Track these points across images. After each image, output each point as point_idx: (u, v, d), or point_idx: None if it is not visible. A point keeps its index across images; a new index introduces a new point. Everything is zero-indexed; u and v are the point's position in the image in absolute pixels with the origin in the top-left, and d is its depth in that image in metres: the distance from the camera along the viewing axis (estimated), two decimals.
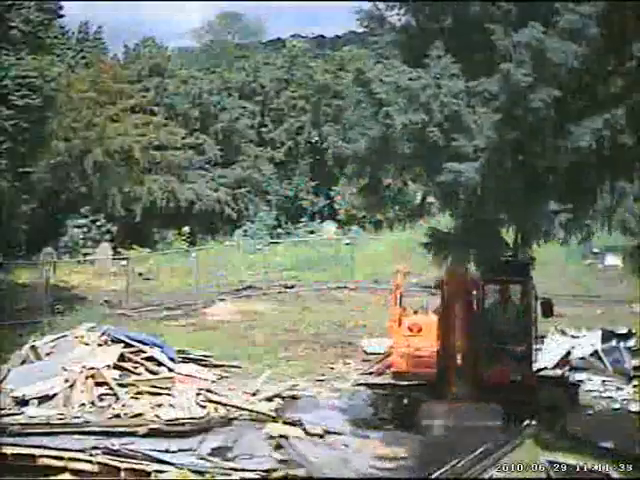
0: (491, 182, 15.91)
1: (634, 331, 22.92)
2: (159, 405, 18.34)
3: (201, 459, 15.70)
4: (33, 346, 20.75)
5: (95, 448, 15.53)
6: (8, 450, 15.42)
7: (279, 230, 45.64)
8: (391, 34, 17.67)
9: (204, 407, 18.35)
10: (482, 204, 16.37)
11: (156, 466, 15.13)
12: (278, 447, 16.44)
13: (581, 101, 15.91)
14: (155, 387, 19.40)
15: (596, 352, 22.95)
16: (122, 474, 15.04)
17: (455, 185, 15.75)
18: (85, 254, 38.90)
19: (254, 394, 19.81)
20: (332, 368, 23.40)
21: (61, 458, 15.30)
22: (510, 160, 16.09)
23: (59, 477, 15.05)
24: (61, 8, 37.08)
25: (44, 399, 18.37)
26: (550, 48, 15.00)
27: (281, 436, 16.83)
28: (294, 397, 20.15)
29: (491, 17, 15.92)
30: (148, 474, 15.02)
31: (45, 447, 15.53)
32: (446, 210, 18.11)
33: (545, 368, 21.16)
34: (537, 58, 15.08)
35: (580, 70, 15.38)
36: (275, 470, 15.32)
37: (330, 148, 40.95)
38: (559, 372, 21.51)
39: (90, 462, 15.20)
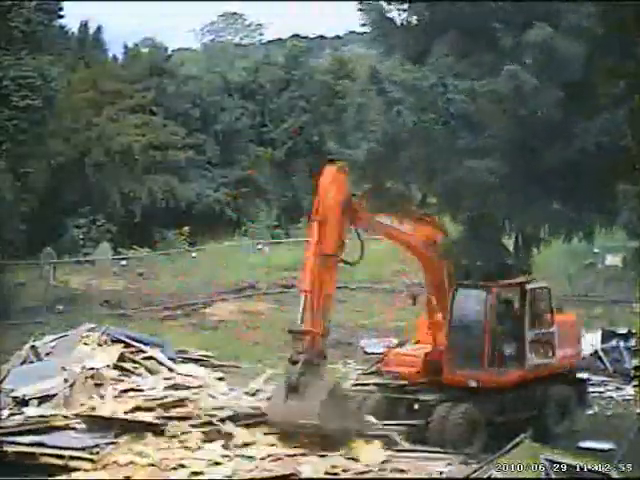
0: (496, 181, 15.96)
1: (634, 331, 22.91)
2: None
3: None
4: (33, 346, 20.72)
5: (96, 446, 15.54)
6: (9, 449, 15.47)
7: (279, 230, 45.59)
8: (393, 33, 17.71)
9: None
10: (485, 203, 16.41)
11: None
12: None
13: (585, 102, 15.94)
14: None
15: (596, 352, 22.97)
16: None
17: (461, 183, 15.80)
18: (85, 254, 38.88)
19: (254, 394, 19.79)
20: (332, 368, 23.41)
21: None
22: (515, 159, 16.13)
23: (59, 477, 15.05)
24: (61, 8, 37.21)
25: (44, 399, 18.34)
26: (556, 48, 15.03)
27: None
28: None
29: (495, 16, 15.96)
30: None
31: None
32: (447, 211, 18.17)
33: None
34: (543, 58, 15.11)
35: (584, 70, 15.42)
36: None
37: (332, 153, 40.68)
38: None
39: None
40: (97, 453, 15.40)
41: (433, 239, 17.96)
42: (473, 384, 17.59)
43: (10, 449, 15.51)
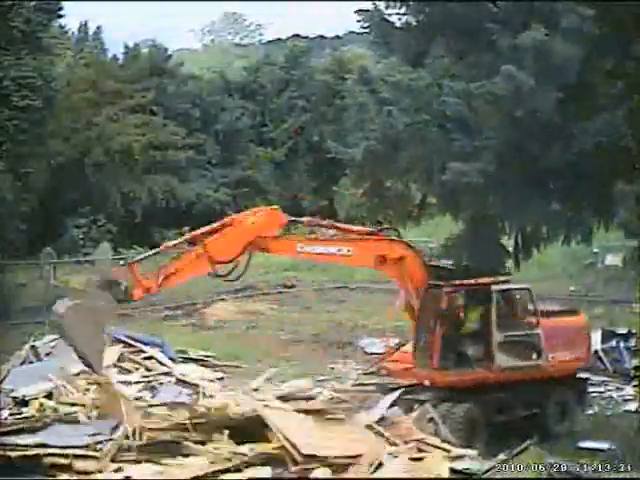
0: (493, 182, 15.98)
1: (634, 331, 22.90)
2: None
3: None
4: (33, 346, 20.71)
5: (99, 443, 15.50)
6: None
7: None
8: (392, 35, 17.74)
9: None
10: (484, 204, 16.42)
11: None
12: None
13: (583, 102, 15.95)
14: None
15: (596, 352, 22.94)
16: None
17: (458, 185, 15.81)
18: (85, 254, 38.84)
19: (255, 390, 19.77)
20: (332, 368, 23.42)
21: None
22: (512, 160, 16.15)
23: (61, 478, 15.03)
24: (61, 8, 37.17)
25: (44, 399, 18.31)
26: (551, 50, 15.04)
27: None
28: None
29: (494, 17, 15.97)
30: None
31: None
32: (447, 211, 18.16)
33: None
34: (540, 60, 15.12)
35: (582, 71, 15.43)
36: None
37: (331, 152, 40.66)
38: None
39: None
40: (99, 451, 15.37)
41: (394, 255, 16.55)
42: (426, 383, 17.40)
43: (10, 450, 15.48)
